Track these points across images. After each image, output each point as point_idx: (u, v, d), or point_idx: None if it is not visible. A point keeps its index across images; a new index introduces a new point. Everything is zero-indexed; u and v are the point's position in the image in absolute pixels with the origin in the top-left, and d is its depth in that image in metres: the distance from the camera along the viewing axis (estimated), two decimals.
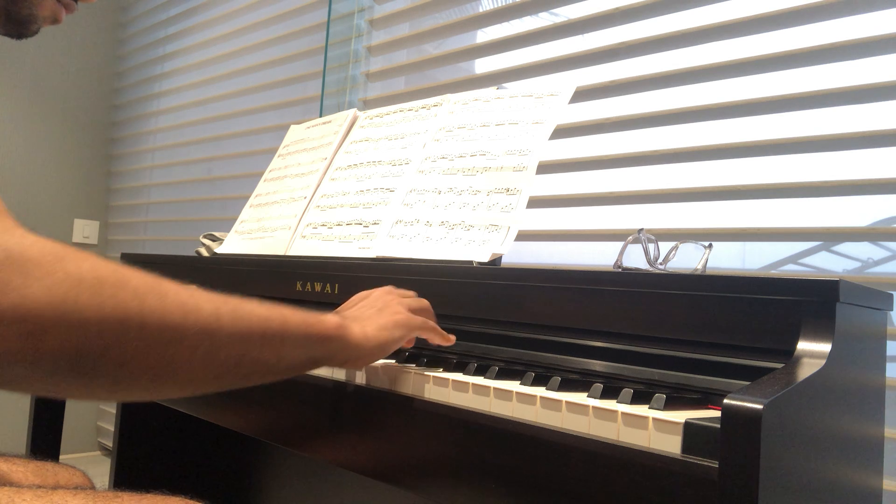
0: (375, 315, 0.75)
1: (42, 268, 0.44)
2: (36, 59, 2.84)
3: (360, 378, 0.79)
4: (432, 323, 0.80)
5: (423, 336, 0.80)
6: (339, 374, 0.82)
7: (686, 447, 0.52)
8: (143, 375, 0.51)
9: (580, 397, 0.61)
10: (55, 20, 0.80)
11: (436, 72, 1.87)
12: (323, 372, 0.83)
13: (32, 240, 0.45)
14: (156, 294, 0.51)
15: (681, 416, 0.54)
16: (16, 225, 0.45)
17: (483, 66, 1.78)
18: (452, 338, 0.81)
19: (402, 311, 0.76)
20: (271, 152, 1.58)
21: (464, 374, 0.73)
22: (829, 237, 1.18)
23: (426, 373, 0.73)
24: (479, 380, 0.69)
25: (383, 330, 0.72)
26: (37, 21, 0.77)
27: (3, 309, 0.42)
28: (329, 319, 0.67)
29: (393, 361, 0.81)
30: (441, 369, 0.77)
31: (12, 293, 0.43)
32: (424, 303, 0.82)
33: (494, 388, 0.65)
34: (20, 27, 0.76)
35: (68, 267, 0.46)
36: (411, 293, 0.83)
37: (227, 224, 1.52)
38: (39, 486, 0.64)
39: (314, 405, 0.83)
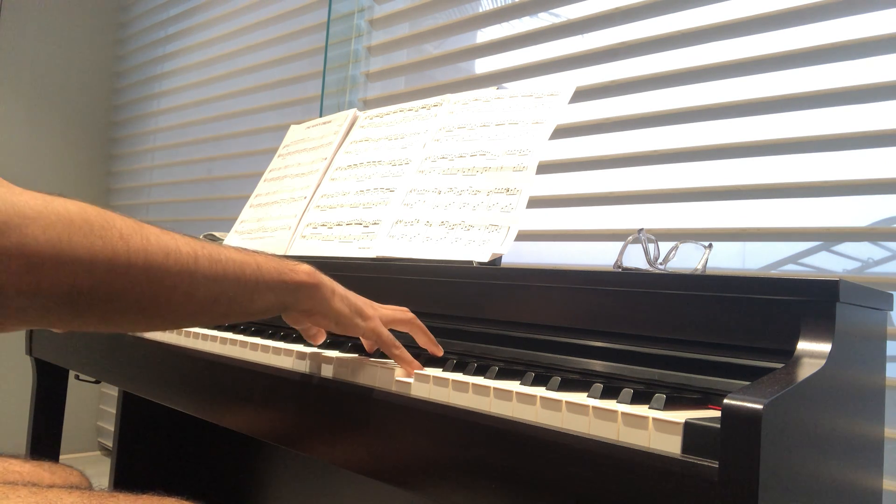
0: (348, 292, 0.77)
1: (35, 209, 0.49)
2: (36, 59, 2.84)
3: (362, 378, 0.79)
4: (398, 349, 0.77)
5: (388, 354, 0.78)
6: (338, 374, 0.82)
7: (686, 447, 0.52)
8: (130, 310, 0.56)
9: (580, 397, 0.61)
10: None
11: (436, 72, 1.87)
12: (325, 372, 0.83)
13: (21, 190, 0.50)
14: (140, 236, 0.56)
15: (681, 416, 0.54)
16: (4, 182, 0.50)
17: (483, 66, 1.78)
18: (417, 364, 0.77)
19: (371, 311, 0.78)
20: (271, 152, 1.58)
21: (464, 373, 0.73)
22: (829, 237, 1.18)
23: (426, 372, 0.73)
24: (479, 380, 0.69)
25: (346, 304, 0.75)
26: None
27: (6, 247, 0.47)
28: (302, 268, 0.71)
29: (393, 362, 0.81)
30: (441, 369, 0.77)
31: (12, 233, 0.47)
32: (407, 317, 0.81)
33: (494, 388, 0.65)
34: None
35: (58, 208, 0.51)
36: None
37: (227, 224, 1.52)
38: (34, 484, 0.64)
39: (315, 405, 0.83)
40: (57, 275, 0.50)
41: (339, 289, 0.76)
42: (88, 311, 0.54)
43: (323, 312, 0.74)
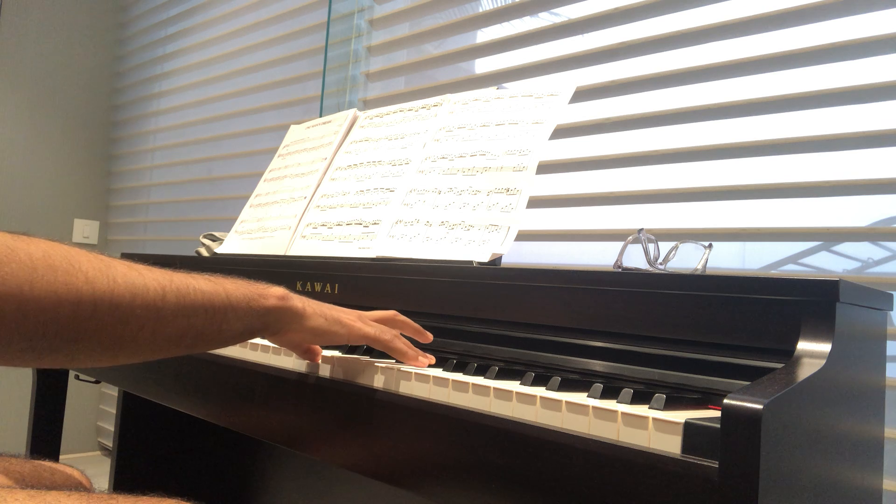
0: (324, 306, 0.77)
1: None
2: (36, 59, 2.84)
3: (361, 378, 0.79)
4: (388, 336, 0.77)
5: (381, 348, 0.78)
6: (337, 373, 0.82)
7: (686, 447, 0.52)
8: (95, 350, 0.56)
9: (580, 397, 0.61)
10: None
11: (436, 72, 1.87)
12: (324, 372, 0.83)
13: None
14: (107, 278, 0.55)
15: (681, 416, 0.54)
16: None
17: (483, 66, 1.78)
18: (414, 353, 0.78)
19: (352, 317, 0.78)
20: (271, 152, 1.58)
21: (464, 374, 0.73)
22: (829, 237, 1.18)
23: (426, 372, 0.73)
24: (479, 380, 0.69)
25: (322, 317, 0.75)
26: None
27: None
28: (272, 293, 0.71)
29: (392, 362, 0.81)
30: (441, 369, 0.77)
31: None
32: (388, 313, 0.82)
33: (494, 388, 0.65)
34: None
35: (20, 256, 0.49)
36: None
37: (227, 224, 1.52)
38: (33, 487, 0.64)
39: (314, 405, 0.83)
40: (19, 325, 0.49)
41: (313, 306, 0.76)
42: (51, 354, 0.53)
43: (298, 331, 0.74)
